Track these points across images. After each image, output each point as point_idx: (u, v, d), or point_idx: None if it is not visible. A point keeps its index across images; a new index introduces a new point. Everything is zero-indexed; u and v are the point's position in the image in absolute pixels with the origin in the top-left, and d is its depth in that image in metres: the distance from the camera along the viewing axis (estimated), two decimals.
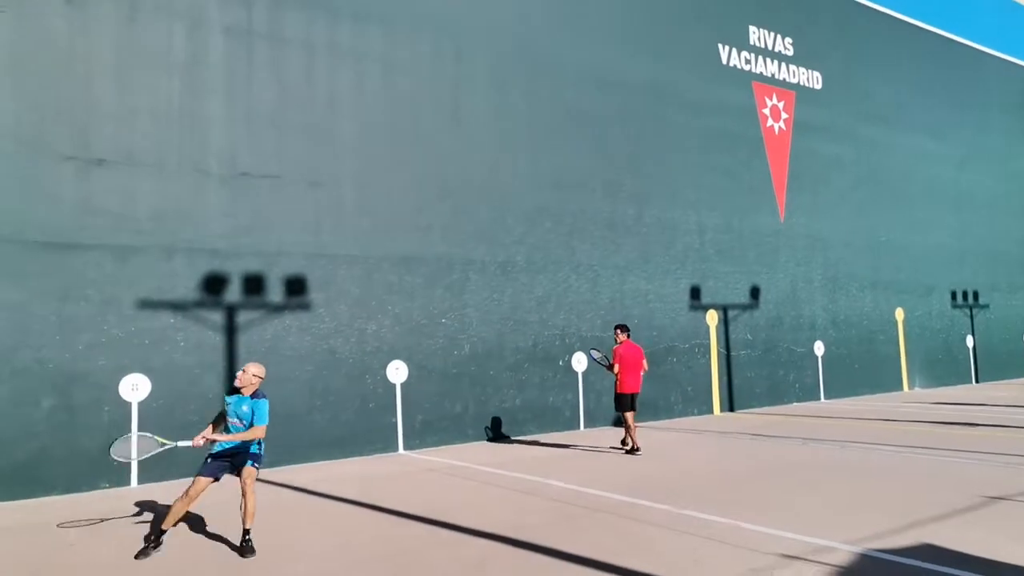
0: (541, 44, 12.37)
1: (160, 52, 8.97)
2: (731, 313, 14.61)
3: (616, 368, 9.61)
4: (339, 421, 9.82)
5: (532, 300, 11.91)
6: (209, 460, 5.48)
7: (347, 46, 10.41)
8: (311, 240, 9.87)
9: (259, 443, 5.57)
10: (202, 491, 5.39)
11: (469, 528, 5.96)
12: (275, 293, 9.51)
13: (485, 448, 10.49)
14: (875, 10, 18.44)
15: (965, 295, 19.70)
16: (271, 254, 9.53)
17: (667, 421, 12.98)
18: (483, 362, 11.25)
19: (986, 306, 20.27)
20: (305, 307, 9.73)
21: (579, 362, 12.29)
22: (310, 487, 7.86)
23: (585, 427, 12.24)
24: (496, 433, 11.24)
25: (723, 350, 14.35)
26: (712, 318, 14.25)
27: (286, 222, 9.70)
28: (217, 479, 5.49)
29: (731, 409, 14.31)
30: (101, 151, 8.50)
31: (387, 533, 5.92)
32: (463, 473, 8.54)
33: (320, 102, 10.15)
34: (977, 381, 19.70)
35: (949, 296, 19.28)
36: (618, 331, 9.86)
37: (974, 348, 19.79)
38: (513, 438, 11.29)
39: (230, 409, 5.50)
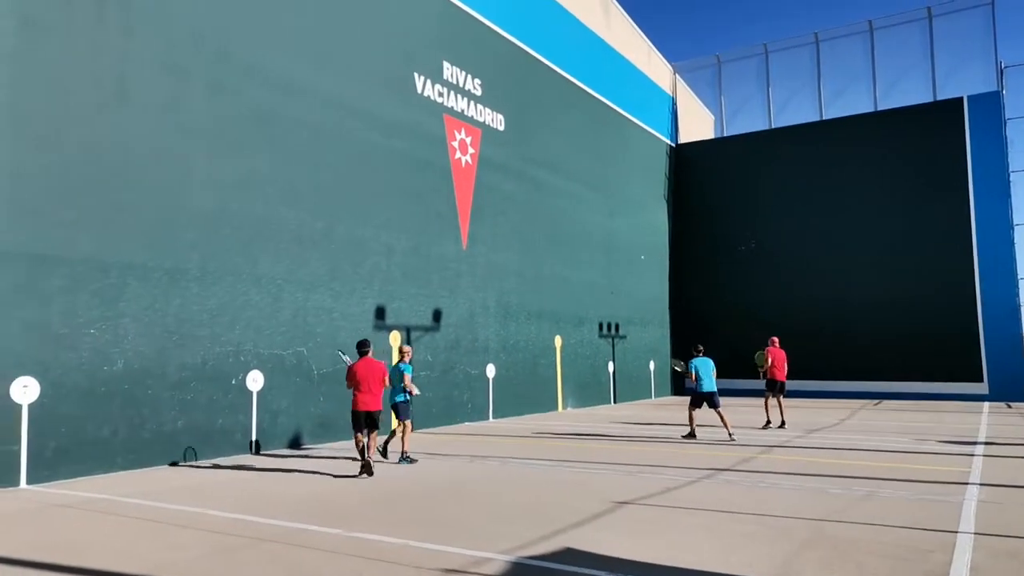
0: (223, 39, 11.51)
1: None
2: (414, 334, 15.03)
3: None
4: None
5: (204, 313, 10.94)
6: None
7: None
8: None
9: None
10: None
11: (105, 571, 5.16)
12: None
13: (137, 477, 9.28)
14: (551, 68, 20.74)
15: (610, 326, 22.87)
16: None
17: (344, 442, 12.83)
18: (140, 380, 9.98)
19: (624, 337, 23.76)
20: None
21: (254, 381, 11.56)
22: None
23: (259, 451, 11.53)
24: (160, 459, 10.02)
25: None
26: (395, 339, 14.51)
27: None
28: None
29: None
30: None
31: None
32: (106, 507, 7.42)
33: None
34: (615, 402, 22.91)
35: (597, 327, 22.21)
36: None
37: (614, 373, 23.02)
38: (173, 464, 10.18)
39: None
